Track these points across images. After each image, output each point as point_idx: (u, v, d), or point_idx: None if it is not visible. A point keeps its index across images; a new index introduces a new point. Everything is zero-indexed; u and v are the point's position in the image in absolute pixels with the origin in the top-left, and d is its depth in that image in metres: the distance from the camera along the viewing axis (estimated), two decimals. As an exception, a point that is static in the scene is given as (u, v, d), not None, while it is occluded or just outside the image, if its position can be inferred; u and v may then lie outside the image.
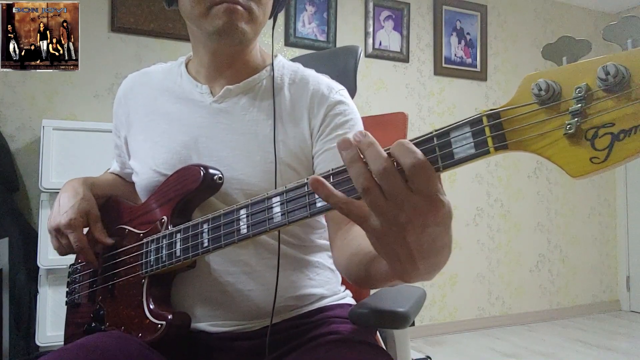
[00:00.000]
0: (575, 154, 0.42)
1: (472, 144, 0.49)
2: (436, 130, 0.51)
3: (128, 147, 1.02)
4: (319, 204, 0.61)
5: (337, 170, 0.59)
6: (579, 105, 0.42)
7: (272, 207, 0.67)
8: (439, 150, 0.51)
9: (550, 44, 0.44)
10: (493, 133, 0.47)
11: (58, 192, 0.97)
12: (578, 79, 0.43)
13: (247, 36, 0.87)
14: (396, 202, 0.50)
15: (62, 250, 0.93)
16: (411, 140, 0.53)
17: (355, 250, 0.73)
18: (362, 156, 0.52)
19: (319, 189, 0.55)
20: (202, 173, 0.83)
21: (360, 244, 0.73)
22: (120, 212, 0.98)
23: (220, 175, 0.84)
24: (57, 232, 0.92)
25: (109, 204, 1.02)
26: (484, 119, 0.48)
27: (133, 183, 1.05)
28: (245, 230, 0.70)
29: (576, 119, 0.42)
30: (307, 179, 0.63)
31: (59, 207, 0.93)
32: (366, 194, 0.51)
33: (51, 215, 0.93)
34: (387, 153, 0.51)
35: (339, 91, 0.93)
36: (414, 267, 0.54)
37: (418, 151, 0.49)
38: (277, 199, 0.67)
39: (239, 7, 0.83)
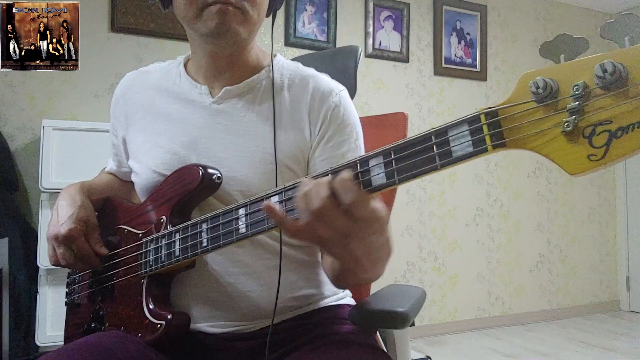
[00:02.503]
0: (573, 151, 0.42)
1: (470, 142, 0.49)
2: (434, 129, 0.51)
3: (126, 146, 1.01)
4: (316, 203, 0.61)
5: (334, 169, 0.61)
6: (577, 103, 0.42)
7: (270, 207, 0.67)
8: (436, 149, 0.51)
9: (548, 42, 0.44)
10: (491, 131, 0.47)
11: (58, 192, 0.97)
12: (576, 76, 0.43)
13: (241, 36, 0.86)
14: (337, 230, 0.59)
15: (55, 260, 0.92)
16: (409, 139, 0.54)
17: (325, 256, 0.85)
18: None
19: (271, 214, 0.63)
20: (200, 172, 0.82)
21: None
22: (119, 212, 0.98)
23: (219, 175, 0.84)
24: (55, 241, 0.91)
25: (108, 204, 1.02)
26: (482, 117, 0.48)
27: (129, 182, 1.05)
28: (244, 230, 0.70)
29: (574, 117, 0.42)
30: (304, 177, 0.64)
31: (57, 217, 0.92)
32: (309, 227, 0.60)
33: (50, 224, 0.93)
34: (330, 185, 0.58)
35: (339, 93, 0.93)
36: (358, 264, 0.66)
37: (356, 188, 0.57)
38: (276, 198, 0.67)
39: (231, 8, 0.82)
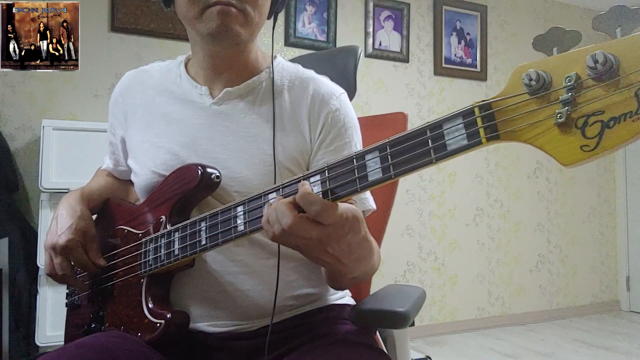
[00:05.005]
0: (566, 142, 0.43)
1: (465, 135, 0.49)
2: (429, 123, 0.52)
3: (125, 146, 1.01)
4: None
5: (331, 165, 0.62)
6: (569, 94, 0.42)
7: (268, 204, 0.67)
8: (432, 143, 0.52)
9: (540, 35, 0.45)
10: (485, 124, 0.48)
11: (58, 192, 0.97)
12: (568, 68, 0.43)
13: (242, 38, 0.86)
14: (310, 238, 0.61)
15: (51, 269, 0.91)
16: (405, 134, 0.54)
17: None
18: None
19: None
20: (199, 172, 0.82)
21: None
22: (119, 213, 0.98)
23: (218, 174, 0.84)
24: (53, 251, 0.91)
25: (108, 205, 1.02)
26: (476, 110, 0.49)
27: (127, 181, 1.05)
28: (242, 228, 0.71)
29: (566, 108, 0.42)
30: (302, 175, 0.65)
31: (56, 227, 0.91)
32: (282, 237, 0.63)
33: (48, 233, 0.92)
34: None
35: (339, 96, 0.93)
36: (342, 265, 0.67)
37: (318, 199, 0.59)
38: (274, 195, 0.67)
39: (232, 9, 0.82)
